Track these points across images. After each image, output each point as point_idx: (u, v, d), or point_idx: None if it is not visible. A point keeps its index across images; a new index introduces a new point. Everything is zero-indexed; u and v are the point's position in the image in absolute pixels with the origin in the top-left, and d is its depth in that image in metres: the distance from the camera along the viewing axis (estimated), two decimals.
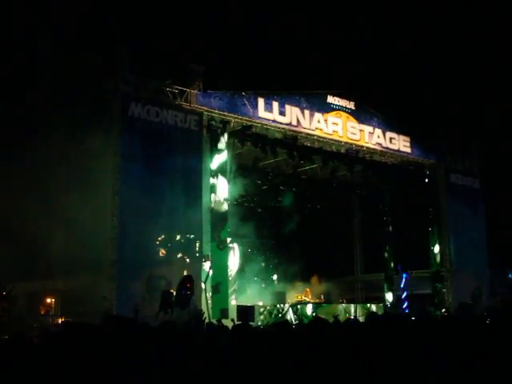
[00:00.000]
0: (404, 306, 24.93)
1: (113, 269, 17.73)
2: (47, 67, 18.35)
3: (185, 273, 18.57)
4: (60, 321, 17.95)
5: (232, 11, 32.93)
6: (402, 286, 25.91)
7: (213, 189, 20.50)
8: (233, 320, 14.11)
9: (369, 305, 24.78)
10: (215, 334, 7.69)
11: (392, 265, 27.18)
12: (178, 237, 19.32)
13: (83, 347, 3.22)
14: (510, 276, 26.37)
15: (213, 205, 20.30)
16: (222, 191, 20.63)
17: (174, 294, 16.77)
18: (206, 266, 19.73)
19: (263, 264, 28.22)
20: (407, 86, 32.40)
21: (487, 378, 4.09)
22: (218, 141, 20.85)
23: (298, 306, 22.02)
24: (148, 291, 17.95)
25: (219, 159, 20.76)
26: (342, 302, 24.51)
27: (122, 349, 3.82)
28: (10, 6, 20.32)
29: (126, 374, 3.57)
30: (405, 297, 25.46)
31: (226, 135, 21.07)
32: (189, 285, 16.87)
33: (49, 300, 19.47)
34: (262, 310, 22.29)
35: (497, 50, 33.29)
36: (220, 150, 20.83)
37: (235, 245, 25.60)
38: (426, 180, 27.59)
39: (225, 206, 20.62)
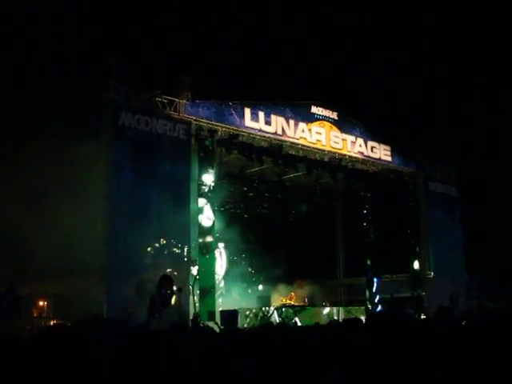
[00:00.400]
0: (378, 310, 25.01)
1: (103, 273, 17.80)
2: (40, 76, 18.53)
3: (175, 277, 18.78)
4: (52, 323, 18.05)
5: (219, 24, 33.28)
6: (374, 290, 26.12)
7: (200, 195, 20.69)
8: (216, 323, 14.40)
9: (350, 308, 25.04)
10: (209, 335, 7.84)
11: (373, 269, 27.48)
12: (167, 242, 19.41)
13: (68, 348, 3.14)
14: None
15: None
16: (208, 198, 20.82)
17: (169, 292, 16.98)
18: (194, 270, 19.93)
19: (249, 268, 28.40)
20: (388, 98, 32.94)
21: (466, 378, 4.17)
22: (205, 149, 21.09)
23: (283, 309, 22.24)
24: (137, 295, 18.04)
25: (207, 167, 20.98)
26: (326, 305, 24.68)
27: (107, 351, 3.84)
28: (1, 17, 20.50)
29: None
30: (378, 301, 25.70)
31: (213, 144, 21.30)
32: (167, 284, 17.08)
33: (41, 303, 19.56)
34: (247, 312, 22.43)
35: (471, 61, 33.93)
36: (208, 158, 21.07)
37: (222, 250, 25.76)
38: (406, 187, 27.99)
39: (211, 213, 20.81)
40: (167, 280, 17.19)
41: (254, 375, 4.49)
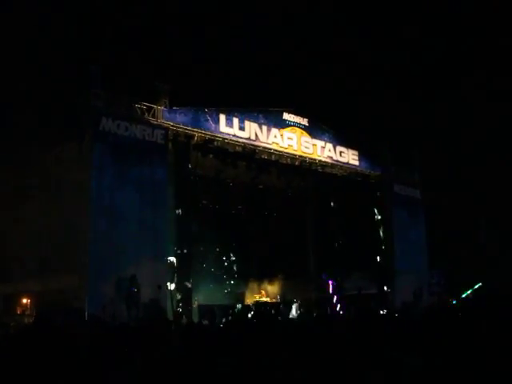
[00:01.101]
0: (338, 309, 25.12)
1: (84, 271, 18.01)
2: (26, 84, 18.68)
3: (153, 275, 19.11)
4: None
5: (196, 34, 33.61)
6: (330, 292, 26.16)
7: (177, 198, 21.02)
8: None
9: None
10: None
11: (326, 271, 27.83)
12: (145, 241, 19.63)
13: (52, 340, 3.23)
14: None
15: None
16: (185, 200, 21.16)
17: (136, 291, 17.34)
18: (171, 268, 20.18)
19: (224, 267, 28.70)
20: (356, 105, 33.58)
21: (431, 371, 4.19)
22: (182, 153, 21.40)
23: (256, 305, 22.64)
24: (117, 292, 18.27)
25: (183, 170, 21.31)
26: (296, 302, 25.08)
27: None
28: None
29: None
30: (336, 300, 25.84)
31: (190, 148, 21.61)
32: (134, 283, 17.46)
33: (25, 300, 19.62)
34: (223, 308, 22.78)
35: (434, 67, 34.74)
36: (184, 162, 21.39)
37: (198, 248, 25.98)
38: (373, 190, 28.62)
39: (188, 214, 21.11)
40: (133, 280, 17.57)
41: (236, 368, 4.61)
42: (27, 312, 19.19)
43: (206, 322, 15.69)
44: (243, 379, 4.44)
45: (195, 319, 18.45)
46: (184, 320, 17.31)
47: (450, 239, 29.18)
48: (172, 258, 20.27)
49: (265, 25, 34.46)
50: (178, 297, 19.86)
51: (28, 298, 19.59)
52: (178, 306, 19.61)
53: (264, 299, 24.56)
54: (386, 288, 27.30)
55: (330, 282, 26.03)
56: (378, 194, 28.62)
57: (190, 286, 21.03)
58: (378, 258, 27.90)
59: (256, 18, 34.48)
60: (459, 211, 29.78)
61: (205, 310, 19.84)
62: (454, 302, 22.48)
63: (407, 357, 4.17)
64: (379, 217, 28.31)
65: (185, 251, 20.93)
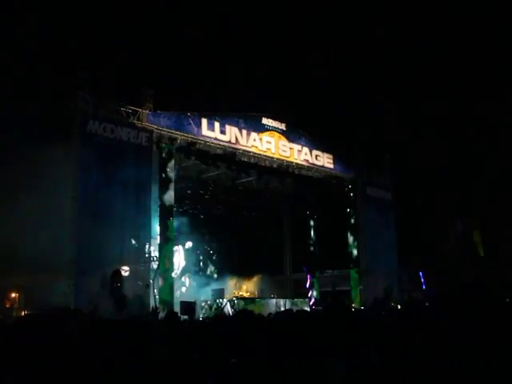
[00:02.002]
0: (311, 303, 25.37)
1: (71, 267, 18.24)
2: (15, 88, 18.74)
3: (137, 271, 19.34)
4: (23, 313, 18.26)
5: (179, 43, 33.83)
6: (307, 286, 26.33)
7: (161, 198, 21.26)
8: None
9: (296, 300, 25.84)
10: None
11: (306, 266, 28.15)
12: (130, 239, 19.91)
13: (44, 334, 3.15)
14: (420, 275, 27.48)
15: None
16: (168, 199, 21.40)
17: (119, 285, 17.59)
18: (154, 265, 20.41)
19: (205, 264, 28.97)
20: (331, 111, 34.10)
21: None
22: (166, 155, 21.66)
23: (235, 301, 22.98)
24: (102, 288, 18.46)
25: (167, 171, 21.56)
26: (274, 298, 25.44)
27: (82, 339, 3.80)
28: None
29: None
30: (311, 295, 26.00)
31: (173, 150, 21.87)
32: (117, 278, 17.67)
33: (13, 295, 19.67)
34: (203, 304, 23.09)
35: (405, 75, 35.39)
36: (167, 164, 21.64)
37: (180, 247, 26.28)
38: (346, 192, 29.16)
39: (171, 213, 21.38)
40: (117, 274, 17.77)
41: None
42: (15, 306, 19.25)
43: (185, 318, 15.94)
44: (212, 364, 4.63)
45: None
46: (162, 314, 17.52)
47: (419, 239, 29.71)
48: (155, 256, 20.50)
49: (246, 33, 34.83)
50: (158, 293, 20.07)
51: (16, 292, 19.65)
52: (160, 302, 19.82)
53: (242, 294, 24.87)
54: (357, 285, 27.74)
55: (308, 277, 26.32)
56: (352, 195, 29.15)
57: (171, 282, 21.29)
58: (351, 256, 28.33)
59: (236, 26, 34.85)
60: (428, 212, 30.36)
61: (185, 305, 20.06)
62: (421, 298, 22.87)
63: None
64: (353, 217, 28.81)
65: (167, 249, 21.18)
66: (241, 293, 25.05)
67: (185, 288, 25.35)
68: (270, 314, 14.54)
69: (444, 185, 30.84)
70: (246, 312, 5.91)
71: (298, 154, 26.33)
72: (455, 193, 30.35)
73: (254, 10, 36.80)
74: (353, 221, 28.89)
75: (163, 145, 21.69)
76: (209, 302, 23.32)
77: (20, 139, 18.33)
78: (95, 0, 32.47)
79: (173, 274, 22.10)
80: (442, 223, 30.51)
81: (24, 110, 18.19)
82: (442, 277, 23.90)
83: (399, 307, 19.48)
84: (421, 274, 24.76)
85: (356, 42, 36.69)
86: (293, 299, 26.24)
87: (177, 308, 20.39)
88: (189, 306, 19.86)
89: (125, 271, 19.05)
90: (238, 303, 22.86)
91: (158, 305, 19.58)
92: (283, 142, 25.79)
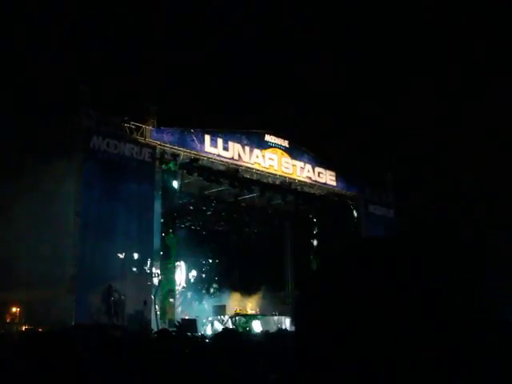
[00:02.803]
0: None
1: (73, 282, 18.10)
2: (19, 104, 18.77)
3: (138, 287, 19.20)
4: (24, 328, 18.08)
5: (183, 61, 34.04)
6: None
7: (163, 214, 21.15)
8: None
9: None
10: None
11: None
12: (132, 255, 19.75)
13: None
14: None
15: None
16: (170, 215, 21.29)
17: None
18: (156, 281, 20.24)
19: (206, 280, 28.76)
20: (334, 128, 34.12)
21: None
22: (168, 171, 21.60)
23: (236, 318, 22.73)
24: (103, 303, 18.32)
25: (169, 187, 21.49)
26: (275, 315, 25.17)
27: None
28: None
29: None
30: None
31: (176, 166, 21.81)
32: (112, 292, 17.56)
33: (14, 309, 19.48)
34: (204, 320, 22.84)
35: (408, 92, 35.44)
36: (170, 180, 21.58)
37: (181, 263, 26.07)
38: (348, 209, 28.95)
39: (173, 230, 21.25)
40: (109, 290, 17.68)
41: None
42: (16, 320, 19.07)
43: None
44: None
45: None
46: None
47: None
48: (157, 272, 20.33)
49: (248, 50, 35.02)
50: (161, 310, 19.89)
51: (17, 306, 19.49)
52: (161, 318, 19.63)
53: (243, 311, 24.62)
54: None
55: None
56: (354, 212, 28.97)
57: (172, 300, 21.08)
58: None
59: (240, 44, 35.04)
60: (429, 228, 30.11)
61: (187, 322, 19.84)
62: None
63: None
64: (354, 234, 28.60)
65: (169, 265, 21.03)
66: (247, 309, 24.76)
67: (186, 304, 25.09)
68: (279, 329, 14.26)
69: (447, 203, 30.72)
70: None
71: (301, 170, 26.22)
72: (456, 209, 30.21)
73: (257, 25, 36.99)
74: (354, 238, 28.66)
75: (166, 161, 21.64)
76: (210, 319, 23.07)
77: (21, 153, 18.31)
78: (100, 15, 32.69)
79: (175, 290, 21.89)
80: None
81: (26, 124, 18.18)
82: None
83: None
84: None
85: (356, 56, 36.82)
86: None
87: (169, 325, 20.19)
88: (190, 324, 19.66)
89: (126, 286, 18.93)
90: (240, 320, 22.63)
91: (159, 321, 19.40)
92: (286, 158, 25.69)
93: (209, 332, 20.70)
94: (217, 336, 5.17)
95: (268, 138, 25.20)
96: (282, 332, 16.14)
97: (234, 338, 5.22)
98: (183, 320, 20.14)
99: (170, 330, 16.12)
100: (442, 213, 30.53)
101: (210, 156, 22.86)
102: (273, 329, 22.94)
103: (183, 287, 25.94)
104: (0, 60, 20.36)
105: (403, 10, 32.83)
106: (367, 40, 36.36)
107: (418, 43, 34.41)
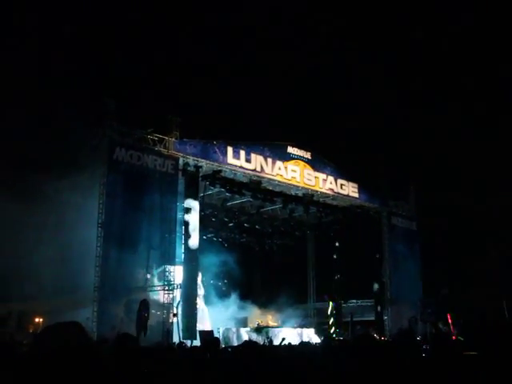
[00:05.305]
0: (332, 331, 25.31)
1: (96, 293, 17.93)
2: (45, 116, 18.79)
3: (161, 299, 19.01)
4: None
5: (207, 74, 34.05)
6: (329, 313, 26.35)
7: (185, 225, 20.94)
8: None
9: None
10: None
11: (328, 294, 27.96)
12: (154, 266, 19.61)
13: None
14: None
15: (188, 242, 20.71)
16: (193, 228, 21.05)
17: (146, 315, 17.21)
18: (178, 292, 20.02)
19: (228, 291, 28.45)
20: (357, 141, 33.72)
21: None
22: (191, 183, 21.42)
23: (259, 329, 22.38)
24: (126, 314, 18.15)
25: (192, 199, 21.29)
26: (296, 327, 24.82)
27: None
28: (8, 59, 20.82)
29: None
30: (332, 323, 25.97)
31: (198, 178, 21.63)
32: (144, 308, 17.31)
33: (37, 319, 19.43)
34: (225, 332, 22.51)
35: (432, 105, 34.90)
36: (193, 191, 21.39)
37: (204, 274, 25.82)
38: (371, 221, 28.45)
39: (195, 242, 21.00)
40: (145, 304, 17.42)
41: None
42: (38, 330, 18.96)
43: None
44: None
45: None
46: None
47: (444, 270, 28.84)
48: (179, 283, 20.11)
49: (271, 62, 34.87)
50: (183, 321, 19.64)
51: (40, 317, 19.43)
52: (183, 330, 19.38)
53: (270, 323, 24.32)
54: (382, 315, 27.00)
55: (332, 304, 26.24)
56: (377, 225, 28.48)
57: (195, 309, 20.82)
58: (375, 286, 27.66)
59: (262, 54, 34.90)
60: (453, 242, 29.52)
61: (205, 334, 19.24)
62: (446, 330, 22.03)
63: None
64: (377, 247, 28.14)
65: (191, 277, 20.78)
66: (268, 321, 24.45)
67: (207, 316, 24.79)
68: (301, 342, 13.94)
69: (467, 215, 30.03)
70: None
71: (323, 182, 25.84)
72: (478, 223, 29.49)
73: (278, 37, 36.87)
74: (377, 250, 28.14)
75: (189, 173, 21.48)
76: (233, 330, 22.74)
77: (47, 166, 18.28)
78: (126, 29, 32.89)
79: (196, 302, 21.62)
80: (468, 253, 29.56)
81: (51, 137, 18.19)
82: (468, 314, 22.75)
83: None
84: (448, 316, 23.83)
85: (382, 69, 36.40)
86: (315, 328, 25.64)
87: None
88: (208, 335, 19.30)
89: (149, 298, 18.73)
90: (262, 331, 22.26)
91: (180, 332, 19.13)
92: (308, 170, 25.34)
93: (235, 343, 20.35)
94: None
95: (290, 149, 24.87)
96: (304, 344, 15.77)
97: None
98: (201, 332, 19.73)
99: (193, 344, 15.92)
100: (465, 226, 29.88)
101: (232, 168, 22.61)
102: (295, 341, 22.57)
103: (204, 299, 25.67)
104: (26, 73, 20.39)
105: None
106: (391, 52, 35.91)
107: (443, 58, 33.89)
